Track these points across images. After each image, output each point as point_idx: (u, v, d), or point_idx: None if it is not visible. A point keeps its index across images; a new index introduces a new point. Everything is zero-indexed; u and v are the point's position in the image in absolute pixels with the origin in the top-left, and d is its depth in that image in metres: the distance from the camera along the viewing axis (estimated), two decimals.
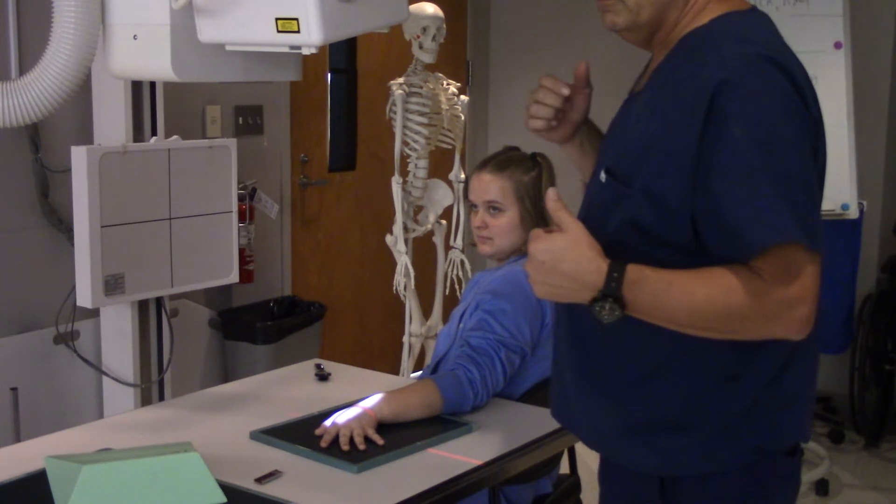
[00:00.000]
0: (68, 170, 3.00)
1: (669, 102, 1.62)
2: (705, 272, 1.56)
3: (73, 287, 3.08)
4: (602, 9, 1.74)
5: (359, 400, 2.29)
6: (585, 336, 1.74)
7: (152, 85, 3.22)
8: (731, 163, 1.53)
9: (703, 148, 1.55)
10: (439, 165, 4.20)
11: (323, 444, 2.14)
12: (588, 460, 2.12)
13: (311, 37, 1.89)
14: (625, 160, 1.66)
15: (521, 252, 2.62)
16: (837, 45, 4.14)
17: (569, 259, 1.60)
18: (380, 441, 2.15)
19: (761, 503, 1.73)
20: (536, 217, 2.59)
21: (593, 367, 1.74)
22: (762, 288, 1.53)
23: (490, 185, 2.61)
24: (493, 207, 2.60)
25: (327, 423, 2.21)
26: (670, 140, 1.59)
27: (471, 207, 2.68)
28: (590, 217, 1.72)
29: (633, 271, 1.57)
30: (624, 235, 1.64)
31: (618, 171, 1.67)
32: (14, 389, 3.22)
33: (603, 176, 1.70)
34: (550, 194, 1.67)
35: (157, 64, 2.13)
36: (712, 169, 1.54)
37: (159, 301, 3.36)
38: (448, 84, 3.81)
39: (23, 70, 3.13)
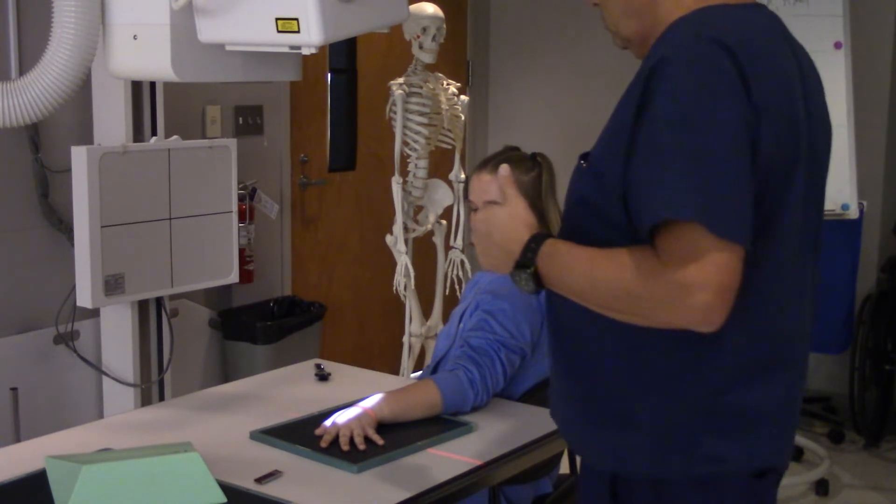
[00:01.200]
0: (68, 170, 3.00)
1: (629, 85, 1.62)
2: (612, 251, 1.55)
3: (73, 287, 3.08)
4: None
5: (359, 400, 2.29)
6: (560, 325, 1.74)
7: (152, 85, 3.22)
8: (647, 140, 1.52)
9: (634, 123, 1.54)
10: (439, 165, 4.20)
11: (323, 444, 2.14)
12: None
13: (311, 37, 1.89)
14: (595, 145, 1.69)
15: None
16: (837, 45, 4.14)
17: (500, 230, 1.70)
18: (379, 441, 2.16)
19: None
20: (536, 217, 2.59)
21: (563, 356, 1.74)
22: (656, 269, 1.49)
23: (490, 186, 2.60)
24: None
25: (327, 422, 2.21)
26: (616, 120, 1.61)
27: (471, 208, 2.68)
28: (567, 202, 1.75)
29: (549, 245, 1.63)
30: (577, 212, 1.69)
31: (588, 156, 1.70)
32: (14, 389, 3.22)
33: (582, 162, 1.72)
34: (502, 170, 1.74)
35: (157, 64, 2.13)
36: (633, 146, 1.54)
37: (159, 301, 3.36)
38: (448, 84, 3.82)
39: (23, 70, 3.13)
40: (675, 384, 1.60)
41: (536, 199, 2.59)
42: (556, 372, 1.76)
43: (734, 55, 1.53)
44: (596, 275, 1.56)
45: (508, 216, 1.71)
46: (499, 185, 1.74)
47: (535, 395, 2.50)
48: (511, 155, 2.67)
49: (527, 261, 1.63)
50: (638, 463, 1.64)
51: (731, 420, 1.60)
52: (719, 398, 1.59)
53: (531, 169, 2.62)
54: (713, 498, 1.63)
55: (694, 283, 1.45)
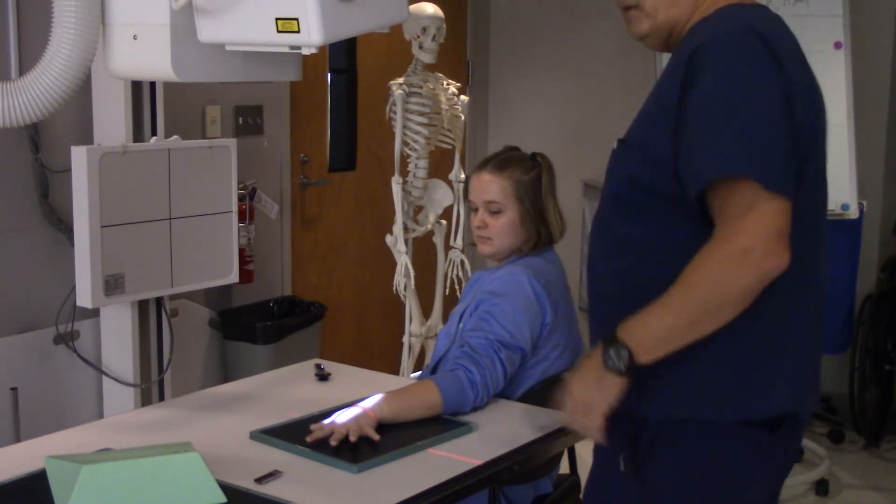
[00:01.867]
0: (68, 170, 3.00)
1: (665, 73, 1.81)
2: (674, 285, 1.70)
3: (73, 287, 3.08)
4: (627, 20, 1.93)
5: (359, 400, 2.29)
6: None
7: (152, 85, 3.22)
8: (697, 113, 1.70)
9: (680, 101, 1.71)
10: (439, 165, 4.20)
11: (309, 438, 2.14)
12: (588, 460, 2.11)
13: (311, 37, 1.89)
14: (631, 129, 1.85)
15: (520, 252, 2.62)
16: (837, 45, 4.14)
17: (583, 373, 1.82)
18: (375, 436, 2.15)
19: (734, 472, 1.79)
20: (536, 217, 2.59)
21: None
22: (713, 248, 1.67)
23: (489, 186, 2.60)
24: (493, 207, 2.60)
25: (326, 421, 2.21)
26: (656, 104, 1.79)
27: (471, 208, 2.68)
28: (604, 189, 1.87)
29: (622, 324, 1.74)
30: (621, 188, 1.82)
31: (625, 139, 1.85)
32: (14, 389, 3.22)
33: (615, 144, 1.86)
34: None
35: (157, 64, 2.13)
36: (682, 121, 1.71)
37: (159, 301, 3.36)
38: (448, 84, 3.81)
39: (23, 70, 3.13)
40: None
41: (536, 198, 2.60)
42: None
43: (764, 37, 1.73)
44: (673, 299, 1.70)
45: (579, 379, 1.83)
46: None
47: (535, 395, 2.50)
48: (511, 155, 2.67)
49: (610, 342, 1.74)
50: (663, 406, 1.79)
51: (752, 367, 1.77)
52: (743, 345, 1.76)
53: (531, 169, 2.62)
54: (734, 445, 1.79)
55: (754, 234, 1.64)
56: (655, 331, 1.72)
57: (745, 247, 1.65)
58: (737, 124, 1.67)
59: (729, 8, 1.84)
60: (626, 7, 1.92)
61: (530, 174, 2.61)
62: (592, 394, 1.78)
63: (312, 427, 2.20)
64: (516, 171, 2.61)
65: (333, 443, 2.12)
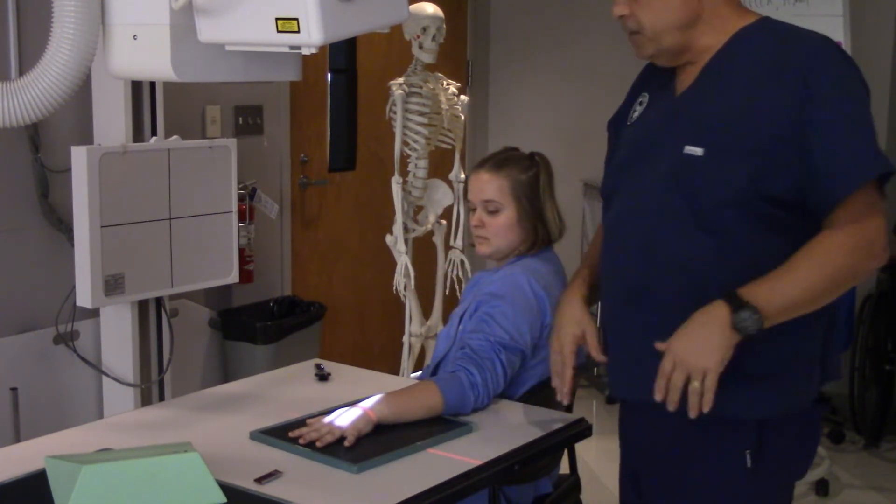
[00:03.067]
0: (68, 170, 3.00)
1: (766, 83, 1.89)
2: (800, 254, 1.85)
3: (73, 287, 3.08)
4: (632, 44, 2.00)
5: (359, 400, 2.29)
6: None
7: (152, 85, 3.22)
8: (838, 126, 1.87)
9: (803, 111, 1.84)
10: (439, 165, 4.20)
11: (301, 441, 2.14)
12: (588, 460, 2.12)
13: (311, 37, 1.89)
14: (718, 134, 1.90)
15: (519, 252, 2.62)
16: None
17: (697, 329, 1.85)
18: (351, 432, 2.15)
19: (815, 441, 2.08)
20: (534, 216, 2.59)
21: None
22: (840, 232, 1.84)
23: (487, 185, 2.60)
24: (491, 207, 2.60)
25: (325, 419, 2.21)
26: (771, 109, 1.86)
27: (469, 208, 2.68)
28: (681, 183, 1.92)
29: (743, 289, 1.83)
30: (744, 195, 1.87)
31: (715, 144, 1.90)
32: (14, 389, 3.22)
33: (699, 151, 1.90)
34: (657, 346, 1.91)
35: (156, 64, 2.13)
36: (809, 134, 1.85)
37: (159, 301, 3.36)
38: (448, 84, 3.81)
39: (23, 70, 3.13)
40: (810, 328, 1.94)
41: (534, 198, 2.59)
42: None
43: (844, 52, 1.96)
44: (806, 275, 1.84)
45: (684, 328, 1.87)
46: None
47: (535, 396, 2.50)
48: (509, 154, 2.67)
49: (742, 304, 1.82)
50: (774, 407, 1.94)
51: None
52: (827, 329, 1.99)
53: (529, 168, 2.62)
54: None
55: (877, 230, 1.86)
56: (784, 300, 1.83)
57: (871, 240, 1.85)
58: (868, 133, 1.90)
59: (767, 21, 2.01)
60: (631, 32, 1.99)
61: (528, 173, 2.60)
62: (711, 357, 1.81)
63: (309, 422, 2.20)
64: (514, 170, 2.60)
65: (320, 444, 2.12)
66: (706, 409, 1.82)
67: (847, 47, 4.14)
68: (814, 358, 1.97)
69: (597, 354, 2.13)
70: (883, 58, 4.67)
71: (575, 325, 2.17)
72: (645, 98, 2.11)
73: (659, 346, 1.87)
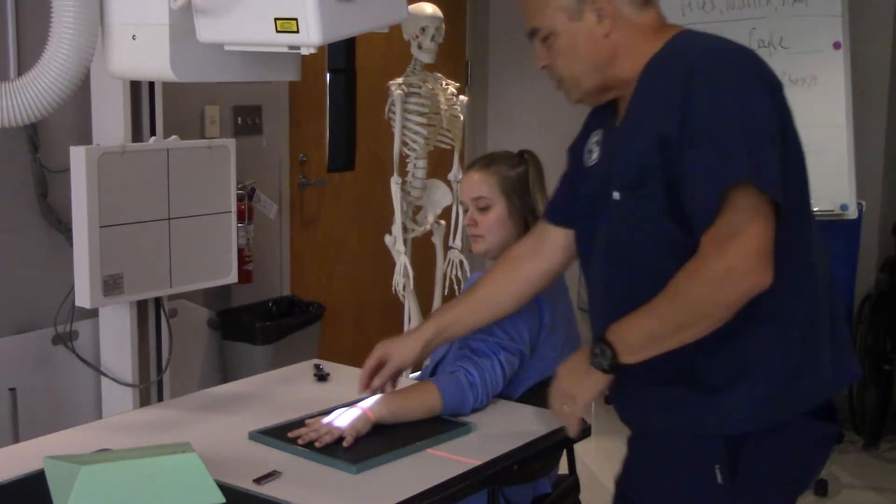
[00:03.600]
0: (67, 170, 3.00)
1: (654, 110, 1.83)
2: (661, 294, 1.79)
3: (72, 287, 3.08)
4: (562, 90, 2.03)
5: (358, 400, 2.29)
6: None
7: (151, 85, 3.22)
8: (701, 132, 1.76)
9: (682, 134, 1.77)
10: (438, 165, 4.20)
11: (300, 441, 2.14)
12: (587, 460, 2.12)
13: (310, 37, 1.89)
14: (631, 172, 1.86)
15: None
16: (836, 46, 4.14)
17: (569, 364, 1.95)
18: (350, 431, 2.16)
19: (810, 460, 2.00)
20: (525, 212, 2.60)
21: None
22: (699, 259, 1.75)
23: (477, 183, 2.62)
24: (481, 204, 2.61)
25: (324, 420, 2.21)
26: (664, 136, 1.80)
27: (464, 209, 2.69)
28: (618, 234, 1.91)
29: (613, 324, 1.84)
30: (661, 228, 1.83)
31: (629, 184, 1.87)
32: (12, 390, 3.22)
33: (617, 195, 1.89)
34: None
35: (156, 64, 2.13)
36: (686, 140, 1.77)
37: (158, 301, 3.36)
38: (447, 84, 3.81)
39: (22, 70, 3.13)
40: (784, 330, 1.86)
41: (524, 193, 2.61)
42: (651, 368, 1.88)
43: (755, 58, 1.84)
44: (658, 308, 1.79)
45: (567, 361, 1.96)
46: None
47: (533, 396, 2.50)
48: (497, 153, 2.70)
49: (598, 341, 1.86)
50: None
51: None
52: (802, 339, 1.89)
53: (517, 165, 2.63)
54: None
55: (737, 254, 1.72)
56: (639, 334, 1.82)
57: (730, 267, 1.72)
58: (741, 138, 1.74)
59: (690, 33, 1.94)
60: (555, 80, 2.02)
61: (516, 169, 2.62)
62: (577, 386, 1.91)
63: (308, 422, 2.20)
64: (502, 166, 2.62)
65: (319, 445, 2.12)
66: (571, 434, 2.03)
67: (846, 47, 4.15)
68: (787, 368, 1.85)
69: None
70: (882, 58, 4.67)
71: (389, 346, 2.38)
72: (599, 136, 2.08)
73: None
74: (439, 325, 2.36)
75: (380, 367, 2.37)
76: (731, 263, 1.71)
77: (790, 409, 1.89)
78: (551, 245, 2.27)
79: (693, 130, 1.76)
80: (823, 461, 2.04)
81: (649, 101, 1.87)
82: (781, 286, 1.76)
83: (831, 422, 1.98)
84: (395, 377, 2.39)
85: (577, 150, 2.17)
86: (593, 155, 2.08)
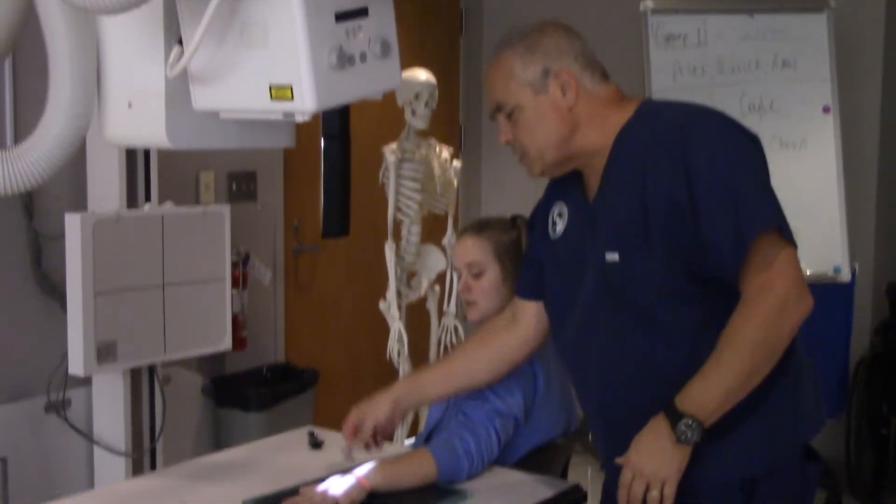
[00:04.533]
0: (62, 236, 3.00)
1: (648, 175, 1.90)
2: (719, 343, 1.85)
3: (65, 355, 3.06)
4: (524, 165, 2.09)
5: (353, 468, 2.27)
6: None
7: (146, 151, 3.24)
8: (710, 191, 1.85)
9: (690, 194, 1.85)
10: (432, 230, 4.21)
11: None
12: None
13: (305, 104, 1.90)
14: (631, 233, 1.93)
15: None
16: (826, 109, 4.19)
17: (646, 446, 1.89)
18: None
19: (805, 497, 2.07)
20: (517, 277, 2.60)
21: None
22: (749, 304, 1.83)
23: (470, 248, 2.62)
24: (474, 269, 2.61)
25: (319, 488, 2.19)
26: (665, 199, 1.88)
27: (457, 275, 2.69)
28: (624, 294, 1.96)
29: (678, 397, 1.85)
30: (665, 280, 1.90)
31: (630, 245, 1.93)
32: (3, 459, 3.19)
33: (614, 256, 1.94)
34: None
35: (151, 131, 2.14)
36: (697, 204, 1.85)
37: (152, 368, 3.34)
38: (441, 149, 3.84)
39: (18, 138, 3.15)
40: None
41: (518, 259, 2.61)
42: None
43: (731, 117, 1.94)
44: (727, 364, 1.84)
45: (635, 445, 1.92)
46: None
47: (529, 462, 2.48)
48: (489, 218, 2.71)
49: (677, 417, 1.85)
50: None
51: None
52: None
53: (510, 229, 2.64)
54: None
55: (784, 285, 1.83)
56: (717, 394, 1.84)
57: (782, 301, 1.81)
58: (748, 195, 1.85)
59: (654, 101, 2.08)
60: (519, 155, 2.08)
61: (509, 234, 2.62)
62: (667, 466, 1.87)
63: (302, 490, 2.18)
64: (494, 231, 2.63)
65: None
66: None
67: (836, 111, 4.19)
68: (783, 407, 1.95)
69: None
70: (871, 121, 4.71)
71: (361, 407, 2.36)
72: (563, 210, 2.15)
73: (618, 460, 1.94)
74: (411, 385, 2.40)
75: (356, 429, 2.37)
76: (783, 296, 1.81)
77: (788, 448, 1.96)
78: (525, 318, 2.31)
79: (705, 188, 1.84)
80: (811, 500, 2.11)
81: (636, 166, 1.93)
82: None
83: (819, 461, 2.06)
84: (376, 436, 2.38)
85: (539, 222, 2.23)
86: (558, 227, 2.14)
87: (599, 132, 2.00)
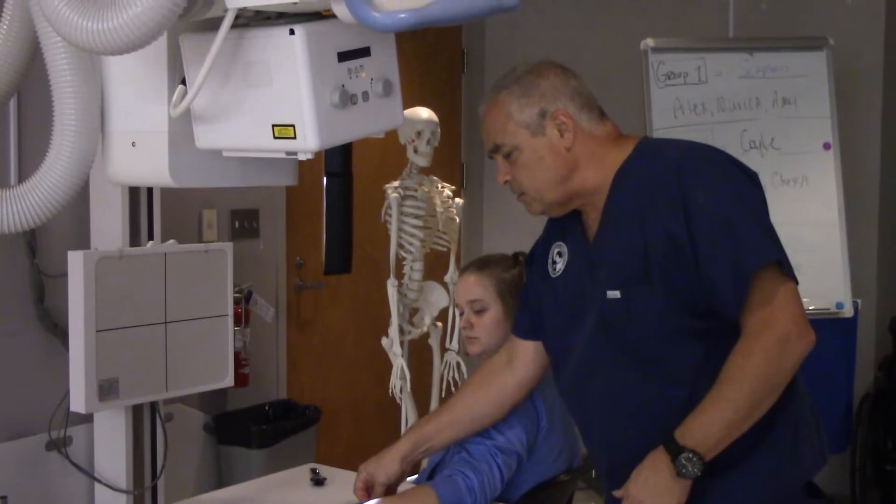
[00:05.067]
0: (64, 274, 3.01)
1: (647, 212, 1.92)
2: (721, 378, 1.85)
3: (67, 392, 3.06)
4: (523, 203, 2.09)
5: None
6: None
7: (149, 190, 3.25)
8: (708, 227, 1.87)
9: (688, 229, 1.86)
10: (434, 267, 4.21)
11: None
12: None
13: (308, 143, 1.91)
14: (631, 270, 1.94)
15: None
16: (826, 146, 4.20)
17: (645, 481, 1.88)
18: None
19: None
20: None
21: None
22: (749, 339, 1.83)
23: (472, 286, 2.63)
24: (476, 306, 2.62)
25: None
26: (663, 236, 1.89)
27: (459, 311, 2.70)
28: (623, 331, 1.96)
29: (677, 431, 1.85)
30: (666, 317, 1.91)
31: (630, 282, 1.94)
32: (4, 498, 3.18)
33: (616, 294, 1.96)
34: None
35: (154, 170, 2.15)
36: (696, 241, 1.86)
37: (154, 406, 3.34)
38: (443, 187, 3.85)
39: (23, 177, 3.16)
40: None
41: (518, 296, 2.61)
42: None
43: (729, 155, 1.97)
44: (729, 398, 1.83)
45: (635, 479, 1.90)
46: None
47: (532, 499, 2.47)
48: (491, 255, 2.72)
49: (677, 451, 1.84)
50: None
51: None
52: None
53: (512, 267, 2.65)
54: None
55: (785, 321, 1.83)
56: (717, 428, 1.84)
57: (783, 336, 1.82)
58: (749, 229, 1.87)
59: (650, 139, 2.09)
60: (518, 194, 2.08)
61: (511, 272, 2.64)
62: (666, 502, 1.86)
63: None
64: (496, 268, 2.64)
65: None
66: None
67: (836, 148, 4.20)
68: (786, 443, 1.96)
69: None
70: (872, 157, 4.72)
71: (369, 466, 2.42)
72: (563, 249, 2.15)
73: (616, 493, 1.93)
74: (417, 439, 2.39)
75: (367, 487, 2.38)
76: (784, 331, 1.81)
77: (790, 484, 1.97)
78: (522, 358, 2.32)
79: (703, 225, 1.86)
80: None
81: (635, 204, 1.94)
82: None
83: (822, 497, 2.06)
84: (389, 491, 2.38)
85: (538, 261, 2.23)
86: (557, 266, 2.14)
87: (598, 171, 2.01)
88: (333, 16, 1.80)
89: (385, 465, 2.36)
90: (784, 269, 1.86)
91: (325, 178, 3.45)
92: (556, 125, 2.01)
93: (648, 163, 1.98)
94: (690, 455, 1.83)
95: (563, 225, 2.15)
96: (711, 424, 1.84)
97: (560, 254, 2.15)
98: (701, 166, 1.92)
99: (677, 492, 1.85)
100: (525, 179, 2.04)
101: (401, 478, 2.37)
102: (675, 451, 1.84)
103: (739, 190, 1.91)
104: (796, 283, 1.88)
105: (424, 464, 2.68)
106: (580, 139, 2.01)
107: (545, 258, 2.20)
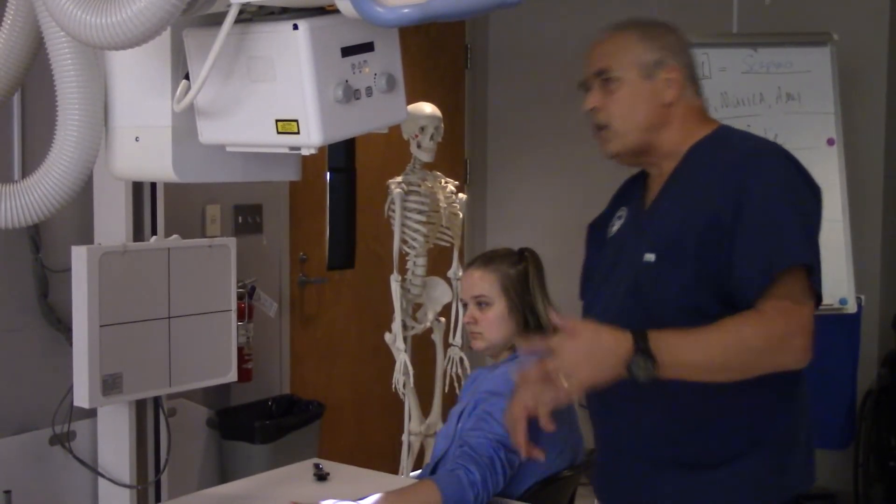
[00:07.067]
0: (68, 269, 3.01)
1: (706, 191, 1.95)
2: (718, 323, 1.83)
3: (71, 387, 3.06)
4: (599, 140, 2.07)
5: (358, 499, 2.26)
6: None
7: (153, 185, 3.25)
8: (755, 217, 1.88)
9: (737, 216, 1.88)
10: (438, 263, 4.21)
11: None
12: None
13: (311, 138, 1.91)
14: (671, 238, 1.97)
15: (514, 345, 2.62)
16: (830, 142, 4.20)
17: (599, 343, 1.81)
18: None
19: None
20: (524, 310, 2.61)
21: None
22: (762, 320, 1.82)
23: (477, 281, 2.64)
24: (481, 301, 2.62)
25: None
26: (713, 215, 1.91)
27: (463, 305, 2.70)
28: (644, 295, 1.98)
29: (653, 332, 1.81)
30: (688, 294, 1.92)
31: (666, 249, 1.97)
32: (8, 492, 3.19)
33: (651, 256, 1.98)
34: (553, 316, 1.90)
35: (158, 165, 2.15)
36: (739, 226, 1.88)
37: (157, 400, 3.34)
38: (446, 182, 3.85)
39: (26, 171, 3.17)
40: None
41: (524, 292, 2.62)
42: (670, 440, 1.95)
43: (798, 161, 1.99)
44: (711, 342, 1.82)
45: (594, 332, 1.84)
46: (556, 323, 1.87)
47: (535, 494, 2.47)
48: (497, 251, 2.72)
49: (641, 346, 1.79)
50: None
51: (778, 446, 1.97)
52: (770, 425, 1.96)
53: (517, 263, 2.65)
54: None
55: (799, 325, 1.83)
56: (683, 359, 1.82)
57: (789, 333, 1.82)
58: (793, 229, 1.88)
59: (721, 131, 2.08)
60: (599, 127, 2.07)
61: (517, 268, 2.64)
62: (590, 369, 1.81)
63: None
64: (502, 264, 2.64)
65: None
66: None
67: (840, 143, 4.20)
68: (785, 443, 1.96)
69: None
70: (876, 153, 4.72)
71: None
72: (623, 213, 2.19)
73: (559, 321, 1.86)
74: None
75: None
76: (791, 332, 1.82)
77: (791, 485, 1.96)
78: None
79: (750, 214, 1.87)
80: None
81: (698, 181, 1.99)
82: None
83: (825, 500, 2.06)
84: None
85: (600, 226, 2.26)
86: (614, 228, 2.18)
87: (680, 138, 2.04)
88: (337, 11, 1.79)
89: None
90: (812, 280, 1.88)
91: (328, 174, 3.45)
92: (667, 77, 2.04)
93: (721, 146, 2.02)
94: (652, 362, 1.78)
95: (629, 193, 2.20)
96: (682, 352, 1.81)
97: (620, 217, 2.19)
98: (770, 161, 1.95)
99: (605, 372, 1.81)
100: (617, 112, 2.05)
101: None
102: (640, 347, 1.80)
103: (798, 194, 1.94)
104: (820, 301, 1.90)
105: (428, 458, 2.68)
106: (681, 101, 2.05)
107: (606, 226, 2.23)
